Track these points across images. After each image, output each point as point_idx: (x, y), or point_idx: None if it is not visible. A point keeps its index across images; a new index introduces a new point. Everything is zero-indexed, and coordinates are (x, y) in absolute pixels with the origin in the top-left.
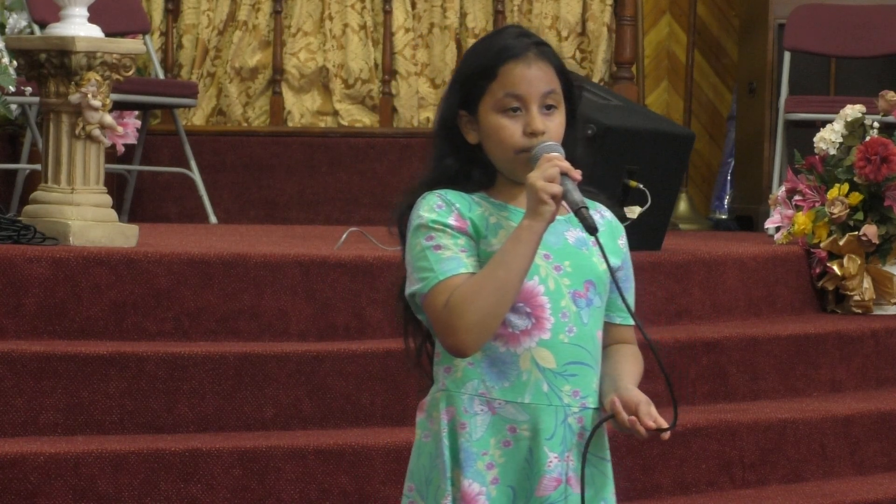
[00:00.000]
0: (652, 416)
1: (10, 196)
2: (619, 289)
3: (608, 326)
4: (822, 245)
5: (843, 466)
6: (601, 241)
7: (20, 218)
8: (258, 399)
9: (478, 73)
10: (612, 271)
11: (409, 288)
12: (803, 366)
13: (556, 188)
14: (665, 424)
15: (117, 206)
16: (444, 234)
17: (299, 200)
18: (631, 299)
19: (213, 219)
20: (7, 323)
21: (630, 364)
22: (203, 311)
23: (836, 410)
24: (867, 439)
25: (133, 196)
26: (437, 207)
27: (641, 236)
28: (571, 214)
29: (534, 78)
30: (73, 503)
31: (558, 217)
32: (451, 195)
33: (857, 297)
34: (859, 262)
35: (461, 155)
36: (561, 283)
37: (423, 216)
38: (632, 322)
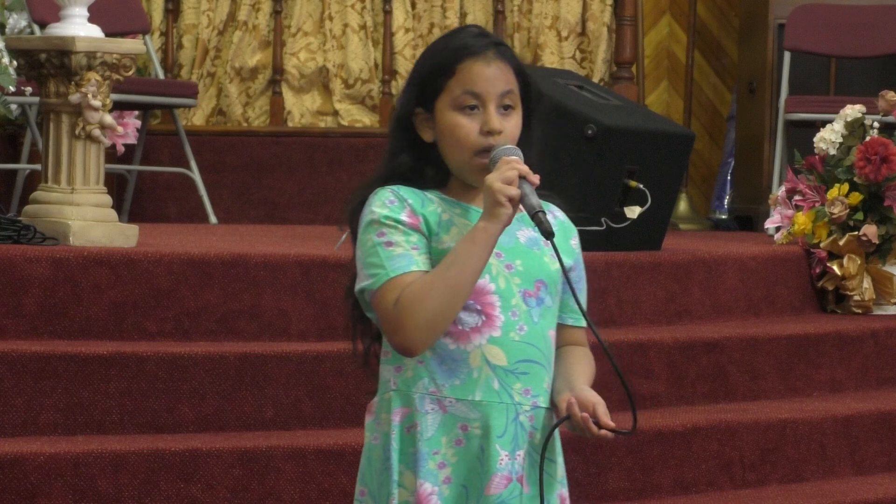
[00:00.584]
0: (608, 417)
1: (10, 196)
2: (572, 289)
3: (560, 328)
4: (822, 245)
5: (843, 466)
6: (558, 240)
7: (20, 218)
8: (258, 399)
9: (436, 69)
10: (565, 272)
11: (359, 284)
12: (803, 366)
13: (514, 191)
14: (623, 429)
15: (117, 206)
16: (396, 231)
17: (299, 200)
18: (583, 300)
19: (213, 219)
20: (7, 323)
21: (583, 365)
22: (203, 311)
23: (836, 410)
24: (867, 439)
25: (133, 196)
26: (390, 203)
27: (641, 236)
28: (525, 213)
29: (492, 76)
30: (73, 503)
31: None
32: (404, 191)
33: (857, 297)
34: (859, 262)
35: (415, 152)
36: (511, 282)
37: (375, 212)
38: (584, 324)
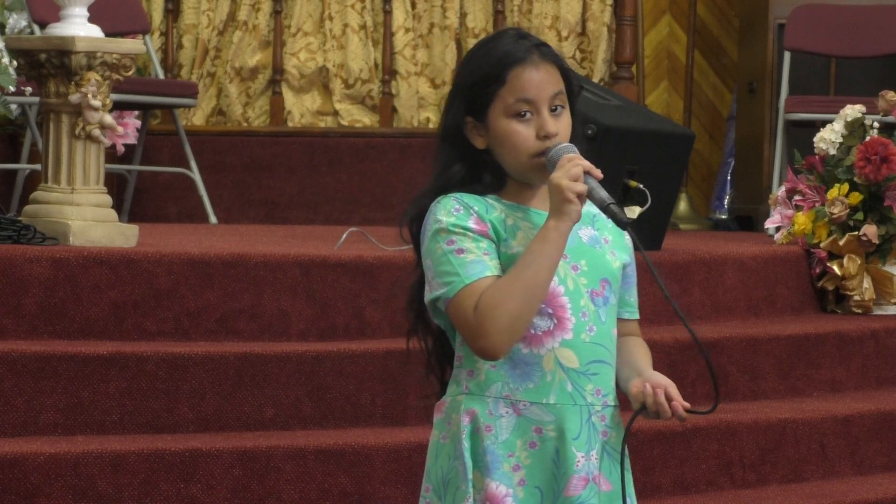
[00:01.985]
0: (681, 398)
1: (10, 196)
2: (658, 279)
3: (617, 321)
4: (822, 245)
5: (843, 466)
6: (612, 236)
7: (20, 218)
8: (258, 399)
9: (484, 79)
10: (648, 262)
11: (432, 293)
12: (803, 366)
13: (582, 187)
14: (700, 408)
15: (117, 206)
16: (466, 238)
17: (299, 200)
18: (635, 294)
19: (213, 219)
20: (7, 323)
21: (644, 353)
22: (203, 311)
23: (836, 410)
24: (867, 439)
25: (133, 196)
26: (456, 211)
27: (641, 236)
28: (587, 212)
29: (542, 81)
30: (73, 503)
31: None
32: (468, 198)
33: (857, 297)
34: (859, 262)
35: (468, 160)
36: (579, 283)
37: (441, 220)
38: (637, 316)
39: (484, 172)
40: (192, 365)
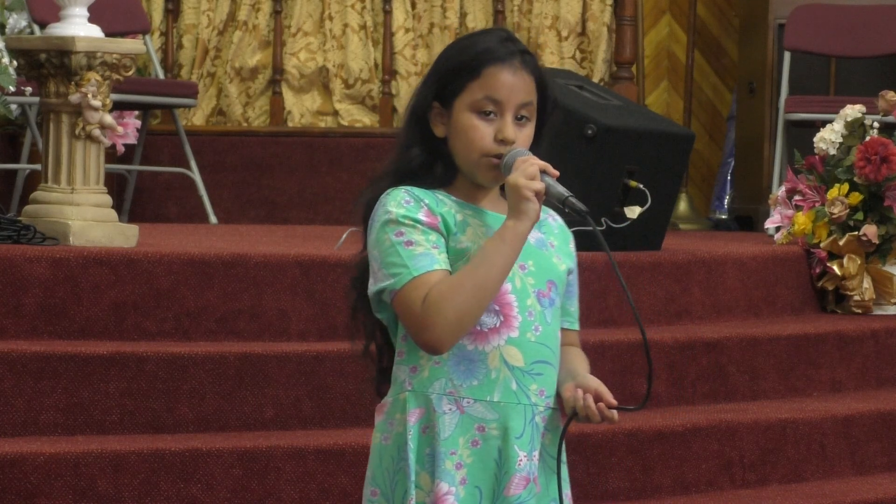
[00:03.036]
0: (610, 396)
1: (10, 196)
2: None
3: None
4: (822, 245)
5: (843, 466)
6: (557, 242)
7: (20, 218)
8: (258, 399)
9: (459, 68)
10: (609, 255)
11: (377, 284)
12: (803, 366)
13: (539, 185)
14: (629, 405)
15: (117, 206)
16: (415, 230)
17: (299, 200)
18: (576, 304)
19: (213, 219)
20: (7, 323)
21: (581, 361)
22: (203, 311)
23: (836, 410)
24: (867, 439)
25: (133, 196)
26: (406, 203)
27: (641, 236)
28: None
29: (515, 86)
30: (73, 503)
31: None
32: (418, 191)
33: (857, 297)
34: (859, 262)
35: (426, 147)
36: (526, 282)
37: (391, 211)
38: (578, 327)
39: (437, 162)
40: (192, 365)
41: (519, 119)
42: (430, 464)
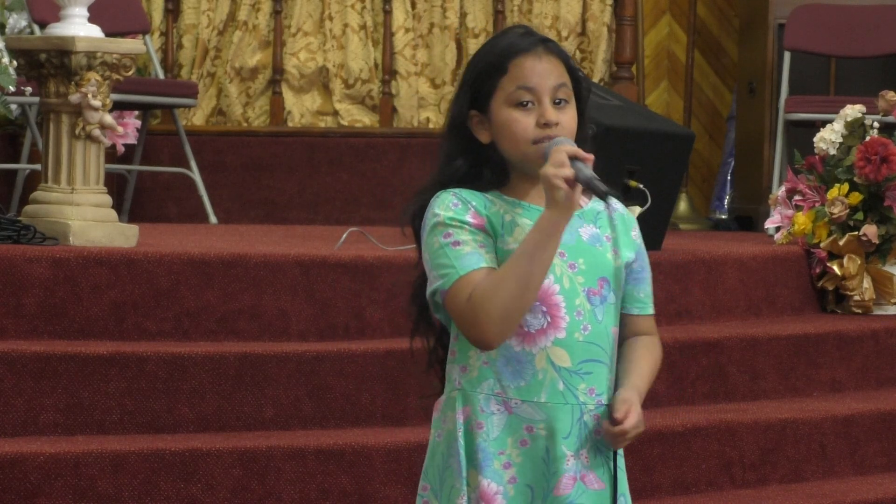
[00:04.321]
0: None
1: (10, 196)
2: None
3: (626, 318)
4: (822, 245)
5: (843, 466)
6: (615, 234)
7: (20, 218)
8: (258, 399)
9: (487, 70)
10: (616, 246)
11: (430, 286)
12: (803, 366)
13: (567, 171)
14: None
15: (117, 206)
16: (462, 231)
17: (299, 200)
18: (649, 290)
19: (213, 219)
20: (7, 323)
21: (643, 359)
22: (203, 311)
23: (836, 410)
24: (867, 439)
25: (133, 196)
26: (454, 206)
27: (641, 236)
28: (585, 209)
29: (544, 71)
30: (73, 503)
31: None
32: (466, 193)
33: (857, 297)
34: (859, 262)
35: (472, 155)
36: (575, 281)
37: (439, 214)
38: (650, 311)
39: (485, 168)
40: (192, 365)
41: (557, 103)
42: (477, 462)
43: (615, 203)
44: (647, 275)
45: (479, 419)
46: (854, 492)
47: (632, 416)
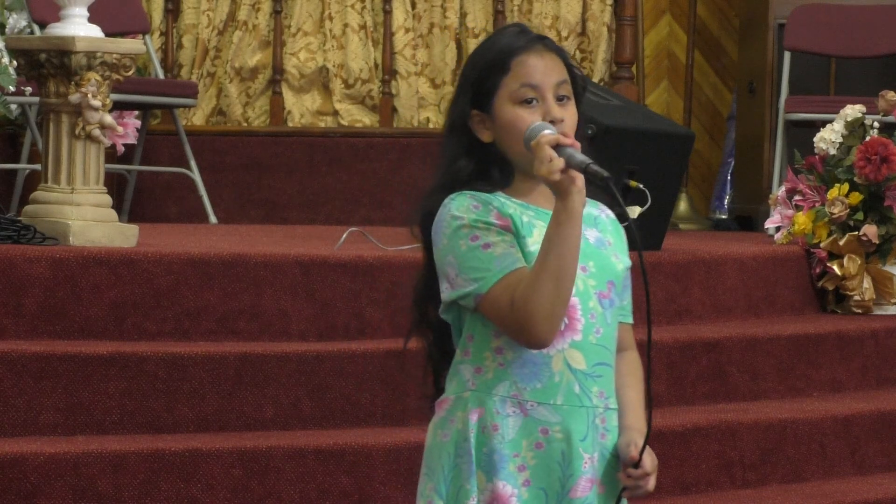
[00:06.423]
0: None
1: (10, 196)
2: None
3: None
4: (822, 245)
5: (843, 466)
6: (613, 239)
7: (20, 218)
8: (258, 399)
9: (488, 68)
10: (634, 236)
11: (456, 290)
12: (803, 366)
13: (557, 162)
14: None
15: (117, 206)
16: (490, 233)
17: (299, 200)
18: (629, 297)
19: (213, 219)
20: (7, 323)
21: (633, 391)
22: (203, 311)
23: (836, 410)
24: (867, 439)
25: (133, 196)
26: (475, 207)
27: (641, 236)
28: (589, 213)
29: (547, 68)
30: (73, 503)
31: None
32: (482, 195)
33: (857, 297)
34: (859, 262)
35: (475, 155)
36: (588, 284)
37: (462, 217)
38: (631, 320)
39: (491, 167)
40: (192, 365)
41: (560, 100)
42: (486, 463)
43: (605, 209)
44: (630, 283)
45: (495, 421)
46: (854, 492)
47: (647, 459)
